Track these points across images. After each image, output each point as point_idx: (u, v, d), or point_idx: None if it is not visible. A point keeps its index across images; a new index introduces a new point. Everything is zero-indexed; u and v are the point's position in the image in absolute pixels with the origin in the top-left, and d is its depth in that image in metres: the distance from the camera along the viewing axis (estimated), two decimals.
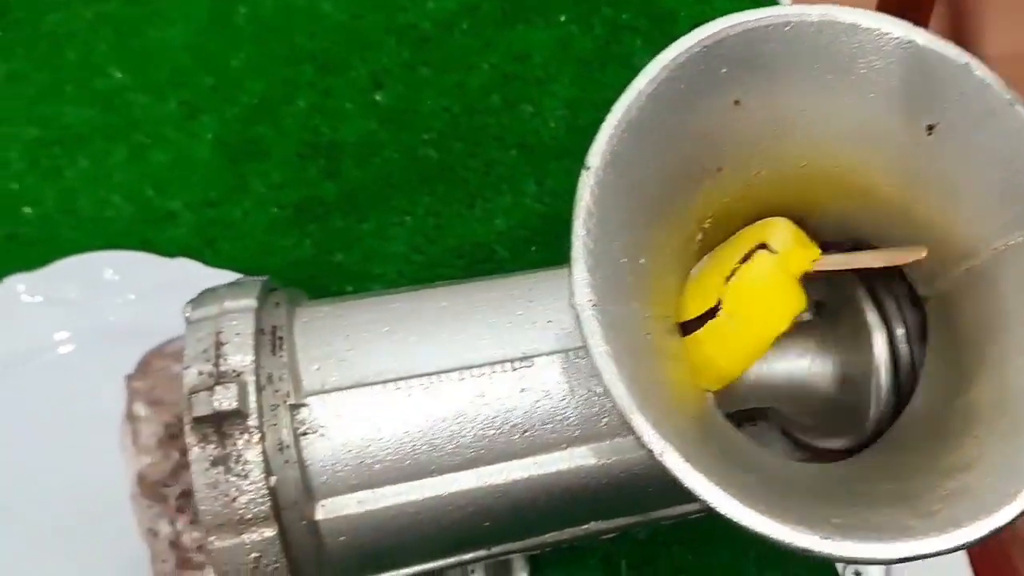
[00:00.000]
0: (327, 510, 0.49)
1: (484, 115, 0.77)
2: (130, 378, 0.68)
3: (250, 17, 0.81)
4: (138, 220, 0.76)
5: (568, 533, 0.53)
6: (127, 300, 0.71)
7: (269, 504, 0.47)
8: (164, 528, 0.64)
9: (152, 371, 0.68)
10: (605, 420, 0.50)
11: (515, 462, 0.50)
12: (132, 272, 0.72)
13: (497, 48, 0.80)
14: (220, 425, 0.47)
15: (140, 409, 0.67)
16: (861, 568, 0.65)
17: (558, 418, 0.50)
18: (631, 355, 0.43)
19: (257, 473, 0.47)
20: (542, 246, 0.74)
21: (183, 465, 0.64)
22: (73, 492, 0.70)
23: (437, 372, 0.50)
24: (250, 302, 0.51)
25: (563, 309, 0.51)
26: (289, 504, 0.48)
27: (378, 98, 0.79)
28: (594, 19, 0.80)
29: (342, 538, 0.49)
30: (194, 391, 0.47)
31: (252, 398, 0.47)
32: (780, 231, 0.49)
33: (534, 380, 0.50)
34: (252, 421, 0.47)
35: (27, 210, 0.77)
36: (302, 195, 0.76)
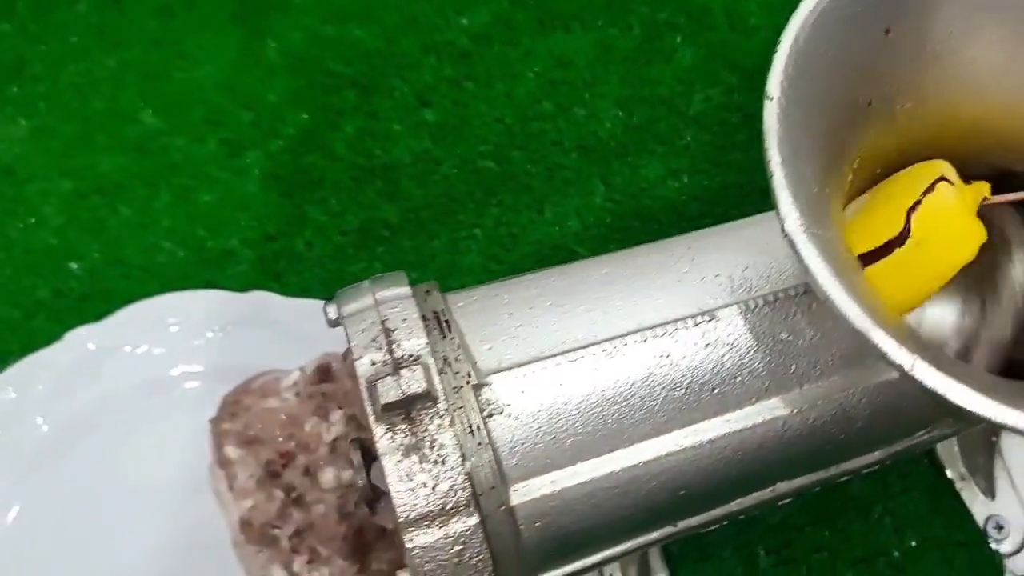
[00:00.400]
0: (521, 494, 0.46)
1: (538, 122, 0.76)
2: (215, 422, 0.64)
3: (281, 51, 0.79)
4: (194, 263, 0.72)
5: (753, 498, 0.51)
6: (205, 339, 0.68)
7: (469, 491, 0.44)
8: (278, 573, 0.60)
9: (241, 410, 0.64)
10: (794, 367, 0.48)
11: (706, 423, 0.48)
12: (203, 311, 0.68)
13: (538, 56, 0.79)
14: (409, 411, 0.44)
15: (232, 452, 0.63)
16: (1002, 520, 0.63)
17: (746, 371, 0.48)
18: (846, 277, 0.41)
19: (454, 458, 0.44)
20: (620, 242, 0.72)
21: (291, 503, 0.60)
22: (164, 546, 0.65)
23: (617, 336, 0.47)
24: (404, 290, 0.48)
25: (730, 263, 0.50)
26: (486, 489, 0.45)
27: (427, 116, 0.77)
28: (631, 19, 0.80)
29: (537, 524, 0.46)
30: (375, 380, 0.44)
31: (437, 380, 0.44)
32: (948, 168, 0.48)
33: (717, 334, 0.48)
34: (442, 404, 0.44)
35: (73, 265, 0.72)
36: (364, 218, 0.73)
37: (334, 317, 0.48)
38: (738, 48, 0.76)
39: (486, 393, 0.46)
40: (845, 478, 0.53)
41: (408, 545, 0.44)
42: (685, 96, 0.76)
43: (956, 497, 0.64)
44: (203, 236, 0.74)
